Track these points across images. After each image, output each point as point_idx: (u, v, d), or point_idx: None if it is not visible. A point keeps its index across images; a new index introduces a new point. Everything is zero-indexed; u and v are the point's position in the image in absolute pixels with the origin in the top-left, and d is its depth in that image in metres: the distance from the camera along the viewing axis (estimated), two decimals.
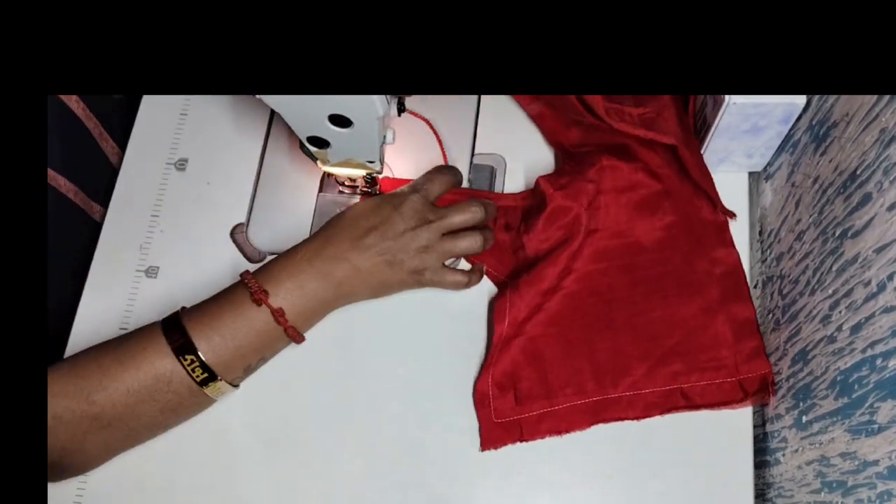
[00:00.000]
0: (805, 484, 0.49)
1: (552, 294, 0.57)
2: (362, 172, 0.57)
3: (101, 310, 0.59)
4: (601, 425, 0.55)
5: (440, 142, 0.62)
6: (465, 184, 0.62)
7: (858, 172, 0.46)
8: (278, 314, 0.50)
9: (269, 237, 0.61)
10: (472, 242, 0.55)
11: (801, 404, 0.51)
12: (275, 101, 0.47)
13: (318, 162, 0.55)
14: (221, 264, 0.61)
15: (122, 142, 0.65)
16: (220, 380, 0.50)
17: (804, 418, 0.50)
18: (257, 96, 0.45)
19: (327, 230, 0.54)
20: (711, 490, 0.54)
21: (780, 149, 0.59)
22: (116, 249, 0.61)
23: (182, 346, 0.49)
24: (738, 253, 0.59)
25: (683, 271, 0.58)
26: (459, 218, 0.55)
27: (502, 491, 0.54)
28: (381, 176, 0.60)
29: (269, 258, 0.54)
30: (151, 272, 0.60)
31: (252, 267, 0.60)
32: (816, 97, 0.53)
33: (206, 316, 0.50)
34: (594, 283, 0.58)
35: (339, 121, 0.48)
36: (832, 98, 0.51)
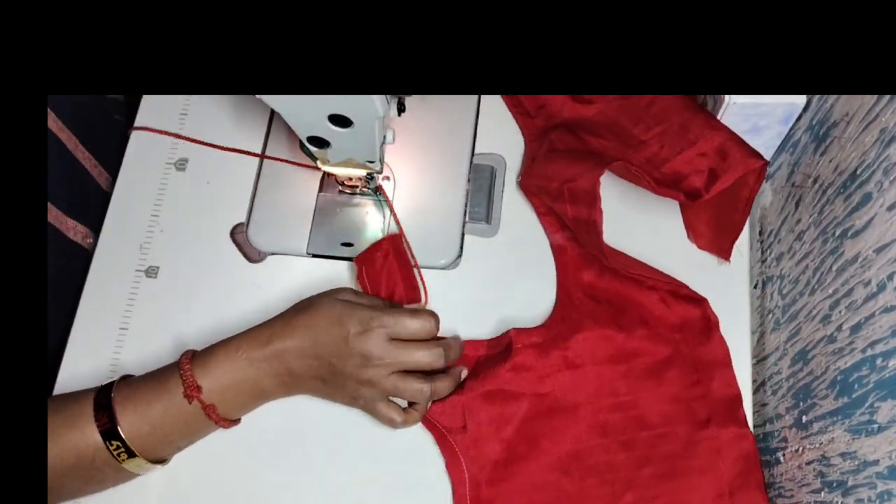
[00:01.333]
0: (805, 484, 0.49)
1: (512, 466, 0.53)
2: (362, 172, 0.57)
3: (101, 309, 0.59)
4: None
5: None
6: (463, 185, 0.62)
7: (858, 172, 0.46)
8: (210, 410, 0.49)
9: (269, 237, 0.61)
10: (418, 391, 0.51)
11: (801, 404, 0.51)
12: (275, 101, 0.47)
13: (318, 162, 0.55)
14: (221, 264, 0.61)
15: (118, 148, 0.65)
16: (146, 461, 0.49)
17: (804, 418, 0.50)
18: (257, 96, 0.45)
19: (277, 324, 0.51)
20: None
21: (780, 149, 0.59)
22: (116, 249, 0.61)
23: (109, 430, 0.47)
24: (752, 436, 0.54)
25: (691, 451, 0.53)
26: (416, 360, 0.51)
27: None
28: (380, 176, 0.60)
29: (213, 345, 0.51)
30: (151, 272, 0.60)
31: (251, 267, 0.60)
32: (816, 97, 0.53)
33: (138, 402, 0.49)
34: (594, 461, 0.53)
35: (339, 121, 0.48)
36: (832, 98, 0.51)
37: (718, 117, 0.55)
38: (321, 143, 0.52)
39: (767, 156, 0.60)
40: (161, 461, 0.51)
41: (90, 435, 0.47)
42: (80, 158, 0.61)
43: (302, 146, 0.54)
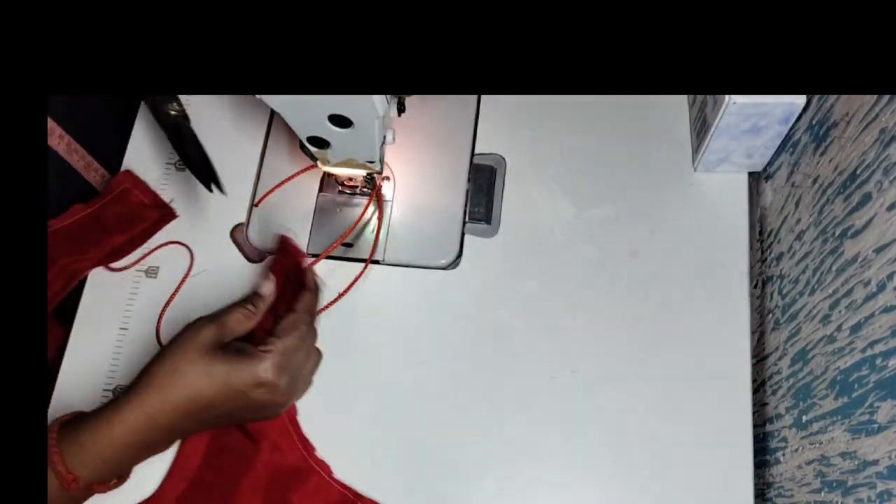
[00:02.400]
0: (805, 483, 0.49)
1: None
2: (362, 172, 0.57)
3: (100, 310, 0.59)
4: (602, 424, 0.55)
5: None
6: (463, 185, 0.62)
7: (858, 172, 0.46)
8: (95, 488, 0.46)
9: (269, 237, 0.61)
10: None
11: (801, 404, 0.51)
12: (275, 101, 0.47)
13: (318, 162, 0.55)
14: (221, 264, 0.61)
15: (118, 154, 0.65)
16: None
17: (804, 418, 0.50)
18: (257, 96, 0.45)
19: (143, 389, 0.46)
20: (711, 490, 0.54)
21: (780, 149, 0.59)
22: None
23: None
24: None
25: None
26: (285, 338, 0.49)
27: (502, 491, 0.54)
28: (381, 176, 0.60)
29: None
30: (151, 272, 0.60)
31: (252, 267, 0.60)
32: (816, 97, 0.53)
33: None
34: None
35: (339, 121, 0.48)
36: (832, 98, 0.51)
37: (718, 117, 0.55)
38: (321, 143, 0.52)
39: (767, 156, 0.60)
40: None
41: None
42: (71, 161, 0.61)
43: (302, 146, 0.54)
